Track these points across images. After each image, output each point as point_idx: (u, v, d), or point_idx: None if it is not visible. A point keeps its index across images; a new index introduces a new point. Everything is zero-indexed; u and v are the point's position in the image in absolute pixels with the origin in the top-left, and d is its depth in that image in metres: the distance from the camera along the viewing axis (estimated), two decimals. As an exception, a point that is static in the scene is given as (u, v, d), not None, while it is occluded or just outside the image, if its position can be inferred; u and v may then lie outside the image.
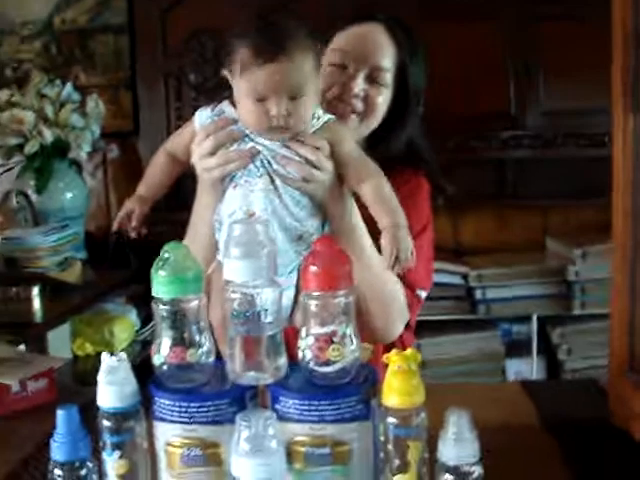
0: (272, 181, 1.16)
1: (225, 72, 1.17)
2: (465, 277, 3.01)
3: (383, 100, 1.42)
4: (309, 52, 1.14)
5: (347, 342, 0.91)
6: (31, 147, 2.60)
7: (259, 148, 1.16)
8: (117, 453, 0.93)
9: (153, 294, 0.92)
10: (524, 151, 3.09)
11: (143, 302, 2.50)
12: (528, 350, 3.08)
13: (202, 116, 1.20)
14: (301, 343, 0.92)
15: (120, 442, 0.93)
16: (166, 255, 0.92)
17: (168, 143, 1.26)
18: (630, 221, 1.13)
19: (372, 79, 1.40)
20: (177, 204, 2.85)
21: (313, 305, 0.91)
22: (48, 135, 2.58)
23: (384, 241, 1.11)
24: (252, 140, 1.16)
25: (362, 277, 1.23)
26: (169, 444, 0.92)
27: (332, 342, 0.91)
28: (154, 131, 3.03)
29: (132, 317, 2.45)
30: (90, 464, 0.94)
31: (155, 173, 1.26)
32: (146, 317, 2.52)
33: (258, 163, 1.16)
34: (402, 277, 1.33)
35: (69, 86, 2.72)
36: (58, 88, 2.70)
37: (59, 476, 0.93)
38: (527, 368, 3.08)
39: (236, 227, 0.91)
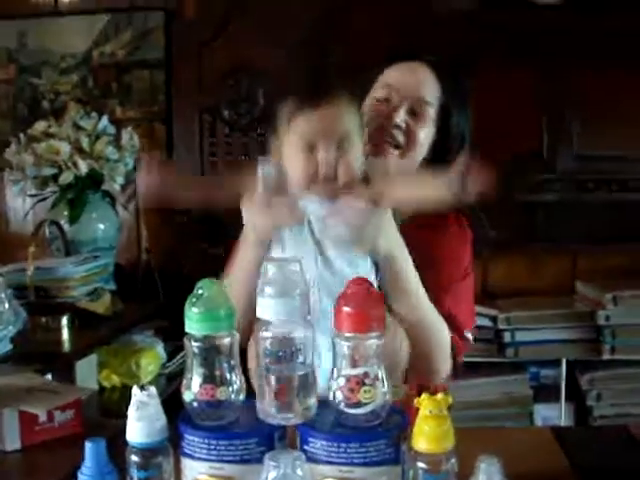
0: (320, 246, 1.17)
1: (274, 144, 1.20)
2: (494, 319, 2.98)
3: (425, 135, 1.41)
4: (353, 102, 1.17)
5: (378, 384, 0.91)
6: (66, 178, 2.63)
7: (308, 208, 1.16)
8: (144, 489, 0.93)
9: (186, 330, 0.92)
10: (555, 194, 3.08)
11: (170, 336, 2.51)
12: (556, 395, 3.03)
13: (263, 168, 1.19)
14: (332, 384, 0.92)
15: (147, 477, 0.93)
16: (200, 291, 0.92)
17: (227, 176, 1.29)
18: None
19: (414, 112, 1.40)
20: (207, 240, 2.88)
21: (345, 346, 0.91)
22: (83, 166, 2.61)
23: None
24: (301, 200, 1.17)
25: (410, 319, 1.26)
26: (197, 481, 0.92)
27: (364, 384, 0.90)
28: (187, 165, 3.06)
29: (159, 350, 2.45)
30: (116, 499, 0.94)
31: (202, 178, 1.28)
32: (173, 350, 2.52)
33: (307, 228, 1.17)
34: (449, 320, 1.35)
35: (105, 119, 2.75)
36: (94, 120, 2.73)
37: (86, 510, 0.93)
38: (555, 413, 3.03)
39: (270, 267, 0.92)
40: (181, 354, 2.44)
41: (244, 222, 1.22)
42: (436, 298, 1.31)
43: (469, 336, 1.44)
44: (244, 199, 1.20)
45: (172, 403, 0.97)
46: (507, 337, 2.99)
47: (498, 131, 2.91)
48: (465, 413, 2.85)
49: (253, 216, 1.20)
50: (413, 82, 1.42)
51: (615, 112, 2.78)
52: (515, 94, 2.92)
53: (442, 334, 1.34)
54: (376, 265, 1.22)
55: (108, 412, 2.14)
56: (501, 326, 2.98)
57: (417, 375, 1.34)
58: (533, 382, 3.09)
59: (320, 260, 1.17)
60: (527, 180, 3.05)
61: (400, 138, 1.39)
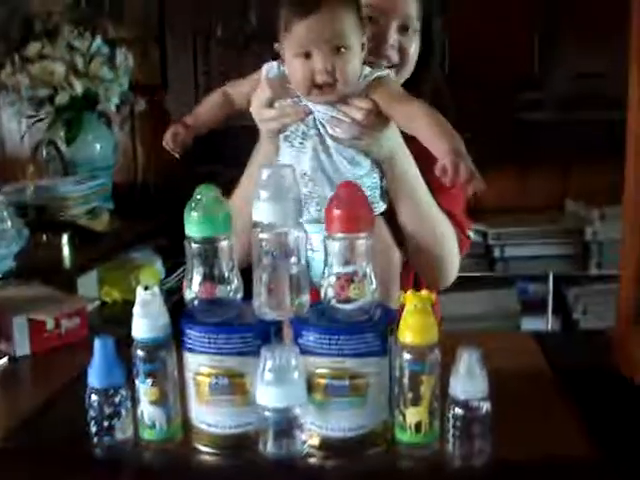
0: (322, 142, 1.21)
1: (276, 45, 1.21)
2: (484, 235, 3.05)
3: (414, 49, 1.42)
4: (350, 5, 1.17)
5: (367, 282, 0.96)
6: (61, 98, 2.65)
7: (312, 109, 1.20)
8: (149, 381, 0.99)
9: (186, 233, 0.97)
10: (545, 113, 3.10)
11: (169, 252, 2.57)
12: (544, 309, 3.11)
13: (269, 69, 1.24)
14: (323, 282, 0.97)
15: (152, 371, 0.99)
16: (198, 197, 0.97)
17: (228, 86, 1.31)
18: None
19: (403, 29, 1.40)
20: (201, 159, 2.91)
21: (336, 246, 0.96)
22: (78, 87, 2.63)
23: (444, 161, 1.07)
24: (304, 102, 1.21)
25: (416, 220, 1.31)
26: (198, 373, 0.98)
27: (353, 281, 0.96)
28: (181, 85, 3.06)
29: (158, 266, 2.50)
30: (124, 391, 1.00)
31: (206, 109, 1.31)
32: (171, 267, 2.57)
33: (311, 124, 1.21)
34: (451, 220, 1.39)
35: (98, 39, 2.75)
36: (88, 40, 2.73)
37: (95, 401, 0.99)
38: (542, 326, 3.11)
39: (265, 171, 0.96)
40: (179, 270, 2.51)
41: (254, 117, 1.27)
42: (435, 199, 1.35)
43: (471, 234, 1.49)
44: (252, 99, 1.26)
45: (172, 317, 1.01)
46: (497, 252, 3.06)
47: (490, 50, 2.92)
48: (455, 326, 2.92)
49: (261, 114, 1.25)
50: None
51: (606, 30, 2.78)
52: (506, 13, 2.92)
53: (449, 236, 1.39)
54: (380, 167, 1.26)
55: (110, 324, 2.20)
56: (491, 241, 3.05)
57: (428, 281, 1.40)
58: (521, 296, 3.18)
59: (321, 151, 1.21)
60: (518, 98, 3.07)
61: (395, 57, 1.40)
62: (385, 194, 1.29)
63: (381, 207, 1.27)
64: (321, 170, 1.21)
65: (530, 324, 3.13)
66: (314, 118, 1.21)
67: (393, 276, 1.28)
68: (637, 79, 1.16)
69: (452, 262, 1.41)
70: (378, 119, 1.20)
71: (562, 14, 3.01)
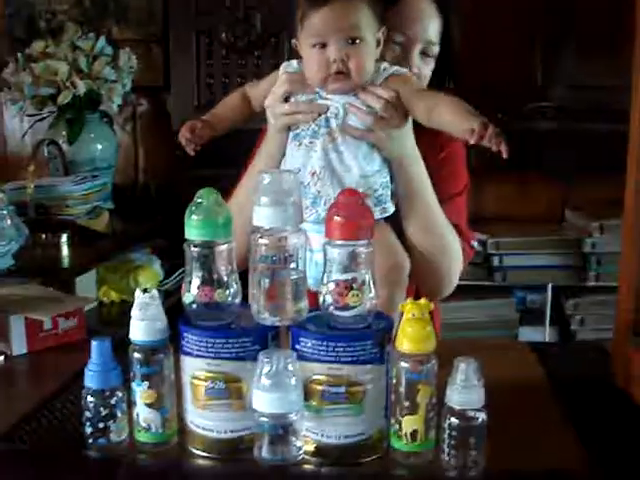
0: (333, 140, 1.21)
1: (294, 41, 1.24)
2: (484, 244, 3.05)
3: (430, 70, 1.43)
4: (366, 1, 1.18)
5: (366, 289, 0.96)
6: (64, 98, 2.64)
7: (328, 104, 1.22)
8: (146, 384, 0.99)
9: (185, 236, 0.97)
10: (548, 123, 3.11)
11: (168, 254, 2.57)
12: (542, 319, 3.11)
13: (287, 66, 1.26)
14: (322, 288, 0.97)
15: (149, 373, 0.99)
16: (199, 200, 0.97)
17: (247, 86, 1.32)
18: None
19: (424, 54, 1.40)
20: (203, 161, 2.91)
21: (336, 253, 0.96)
22: (81, 86, 2.63)
23: (469, 124, 1.09)
24: (322, 98, 1.22)
25: (422, 223, 1.31)
26: (195, 377, 0.98)
27: (352, 288, 0.96)
28: (184, 87, 3.07)
29: (156, 267, 2.50)
30: (120, 393, 1.00)
31: (224, 109, 1.31)
32: (170, 269, 2.57)
33: (323, 123, 1.22)
34: (456, 230, 1.40)
35: (102, 39, 2.75)
36: (91, 41, 2.73)
37: (91, 402, 0.99)
38: (540, 337, 3.11)
39: (265, 176, 0.96)
40: (178, 272, 2.50)
41: (267, 111, 1.28)
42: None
43: (475, 244, 1.50)
44: (267, 96, 1.27)
45: (169, 318, 1.01)
46: (496, 261, 3.06)
47: (494, 60, 2.93)
48: (452, 334, 2.93)
49: (275, 108, 1.26)
50: (422, 25, 1.39)
51: (609, 42, 2.79)
52: (510, 23, 2.93)
53: (454, 245, 1.39)
54: (389, 167, 1.27)
55: (107, 326, 2.20)
56: (490, 250, 3.05)
57: (427, 289, 1.39)
58: (520, 306, 3.18)
59: (331, 150, 1.22)
60: (521, 108, 3.08)
61: None
62: (395, 195, 1.29)
63: (391, 209, 1.27)
64: (330, 170, 1.21)
65: (528, 334, 3.13)
66: (326, 117, 1.22)
67: (404, 284, 1.28)
68: (638, 90, 1.16)
69: (454, 272, 1.42)
70: (396, 112, 1.21)
71: (565, 26, 3.02)
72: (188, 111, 3.03)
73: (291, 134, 1.26)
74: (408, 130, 1.26)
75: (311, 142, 1.22)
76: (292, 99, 1.25)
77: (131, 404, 1.02)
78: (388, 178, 1.26)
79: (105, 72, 2.67)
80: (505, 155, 1.08)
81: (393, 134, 1.23)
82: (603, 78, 2.91)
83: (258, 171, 1.28)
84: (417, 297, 1.35)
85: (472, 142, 1.08)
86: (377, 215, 1.22)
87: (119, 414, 1.01)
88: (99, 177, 2.63)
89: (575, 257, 3.08)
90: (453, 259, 1.39)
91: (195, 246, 0.97)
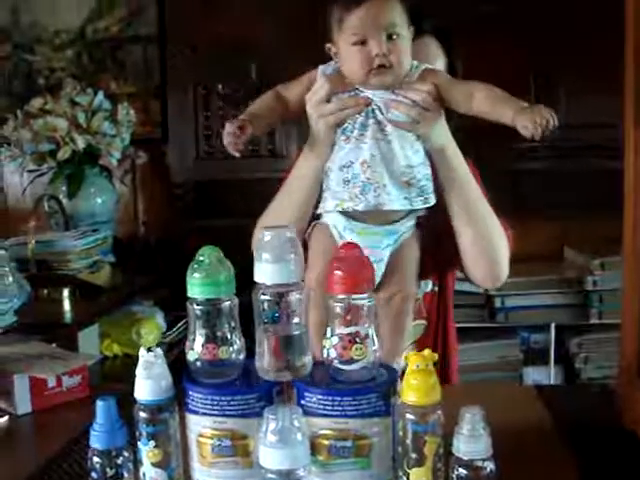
0: (382, 129, 1.26)
1: (327, 46, 1.28)
2: (484, 286, 3.05)
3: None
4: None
5: (369, 342, 0.96)
6: (63, 153, 2.67)
7: (371, 97, 1.25)
8: (152, 443, 0.98)
9: (188, 294, 0.98)
10: (542, 162, 3.13)
11: (169, 305, 2.57)
12: (546, 359, 3.11)
13: (325, 68, 1.30)
14: (325, 342, 0.97)
15: (155, 432, 0.98)
16: (201, 258, 0.98)
17: (281, 87, 1.34)
18: (639, 230, 1.17)
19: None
20: (203, 212, 2.93)
21: (338, 307, 0.96)
22: (80, 142, 2.65)
23: (519, 119, 1.16)
24: (363, 92, 1.26)
25: (466, 210, 1.36)
26: (201, 435, 0.98)
27: (355, 342, 0.96)
28: (182, 139, 3.10)
29: (159, 319, 2.50)
30: (126, 453, 1.00)
31: (260, 107, 1.33)
32: (172, 320, 2.57)
33: (370, 115, 1.26)
34: None
35: (100, 94, 2.78)
36: (90, 96, 2.77)
37: (97, 463, 0.99)
38: (545, 376, 3.11)
39: (267, 233, 0.97)
40: (180, 323, 2.50)
41: (311, 115, 1.30)
42: None
43: (509, 234, 1.53)
44: (309, 95, 1.30)
45: (173, 370, 1.01)
46: (498, 302, 3.06)
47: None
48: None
49: (320, 108, 1.28)
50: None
51: (600, 80, 2.82)
52: (501, 63, 2.96)
53: (498, 228, 1.44)
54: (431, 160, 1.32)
55: (110, 380, 2.19)
56: (492, 292, 3.05)
57: (480, 276, 1.47)
58: (523, 346, 3.18)
59: (381, 139, 1.26)
60: (515, 148, 3.10)
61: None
62: (436, 190, 1.33)
63: (432, 200, 1.31)
64: (380, 157, 1.25)
65: (532, 374, 3.12)
66: (372, 108, 1.26)
67: (407, 311, 1.33)
68: (632, 130, 1.17)
69: (504, 255, 1.47)
70: (435, 104, 1.26)
71: (556, 64, 3.05)
72: (186, 162, 3.06)
73: (338, 131, 1.29)
74: (443, 124, 1.31)
75: (360, 134, 1.26)
76: (334, 98, 1.28)
77: (137, 464, 1.01)
78: (430, 171, 1.31)
79: (104, 127, 2.70)
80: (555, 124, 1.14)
81: (434, 124, 1.28)
82: (593, 116, 2.94)
83: (308, 168, 1.34)
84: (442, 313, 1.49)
85: (532, 135, 1.15)
86: (419, 205, 1.29)
87: (126, 474, 1.00)
88: (99, 231, 2.64)
89: (577, 295, 3.09)
90: (499, 241, 1.45)
91: (198, 304, 0.97)
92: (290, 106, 1.33)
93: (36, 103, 2.75)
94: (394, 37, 1.23)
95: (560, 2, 2.97)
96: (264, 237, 0.96)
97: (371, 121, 1.26)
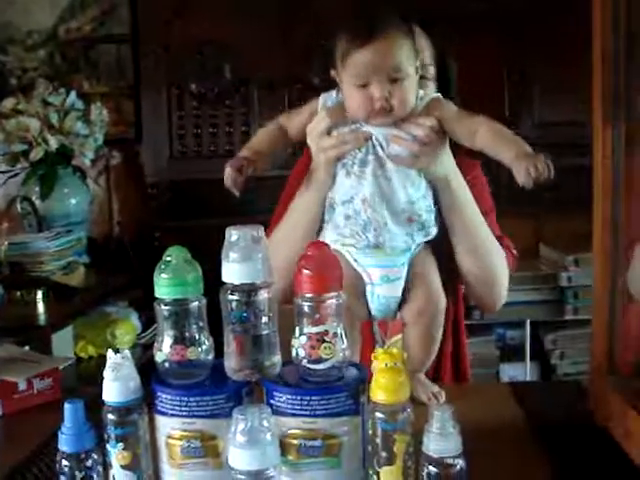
0: (381, 166, 1.24)
1: (332, 72, 1.25)
2: (460, 282, 3.06)
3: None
4: (405, 34, 1.20)
5: (338, 341, 0.96)
6: (36, 154, 2.65)
7: (371, 132, 1.24)
8: (121, 445, 0.97)
9: (155, 295, 0.97)
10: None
11: (144, 306, 2.56)
12: (522, 355, 3.13)
13: (326, 99, 1.28)
14: (294, 342, 0.97)
15: (124, 434, 0.97)
16: (168, 258, 0.97)
17: (282, 118, 1.33)
18: (608, 229, 1.18)
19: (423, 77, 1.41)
20: (177, 213, 2.92)
21: (306, 306, 0.96)
22: (53, 142, 2.64)
23: (516, 165, 1.12)
24: (364, 126, 1.24)
25: (469, 243, 1.36)
26: (170, 436, 0.97)
27: (324, 341, 0.96)
28: (155, 139, 3.09)
29: (134, 320, 2.49)
30: (95, 455, 0.99)
31: (262, 143, 1.31)
32: (147, 321, 2.56)
33: (370, 150, 1.24)
34: (499, 242, 1.45)
35: (73, 94, 2.77)
36: (62, 96, 2.75)
37: (66, 466, 0.98)
38: (521, 373, 3.12)
39: (233, 232, 0.96)
40: (155, 324, 2.49)
41: (311, 147, 1.29)
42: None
43: (515, 252, 1.54)
44: (309, 128, 1.28)
45: (148, 371, 1.01)
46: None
47: (462, 98, 2.96)
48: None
49: (321, 142, 1.27)
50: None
51: (574, 78, 2.83)
52: (478, 62, 2.97)
53: (501, 261, 1.44)
54: (433, 191, 1.31)
55: (86, 381, 2.18)
56: (467, 289, 3.05)
57: (481, 305, 1.52)
58: (499, 343, 3.19)
59: (380, 176, 1.24)
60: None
61: None
62: (437, 219, 1.32)
63: (433, 232, 1.31)
64: (381, 195, 1.24)
65: (509, 370, 3.14)
66: (372, 144, 1.24)
67: (439, 323, 1.32)
68: (600, 128, 1.18)
69: (504, 285, 1.47)
70: (437, 137, 1.24)
71: (532, 63, 3.06)
72: (160, 162, 3.05)
73: (338, 165, 1.28)
74: (447, 153, 1.30)
75: (361, 170, 1.25)
76: (334, 132, 1.26)
77: (107, 466, 1.00)
78: (431, 201, 1.30)
79: (77, 127, 2.69)
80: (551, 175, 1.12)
81: (437, 157, 1.27)
82: (567, 114, 2.96)
83: (308, 201, 1.34)
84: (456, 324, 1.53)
85: (524, 183, 1.12)
86: (421, 239, 1.29)
87: (95, 477, 0.99)
88: (73, 232, 2.63)
89: (552, 292, 3.10)
90: (502, 271, 1.45)
91: (165, 304, 0.97)
92: (292, 137, 1.32)
93: (8, 103, 2.73)
94: (398, 80, 1.19)
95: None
96: (231, 236, 0.96)
97: (371, 157, 1.25)
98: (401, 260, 1.29)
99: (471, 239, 1.38)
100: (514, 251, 1.55)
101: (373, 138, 1.25)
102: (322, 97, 1.29)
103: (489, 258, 1.42)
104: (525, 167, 1.11)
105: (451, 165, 1.32)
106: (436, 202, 1.32)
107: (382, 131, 1.24)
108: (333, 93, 1.29)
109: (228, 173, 1.23)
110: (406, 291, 1.31)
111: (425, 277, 1.31)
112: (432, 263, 1.33)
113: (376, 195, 1.24)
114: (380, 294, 1.31)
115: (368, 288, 1.31)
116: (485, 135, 1.20)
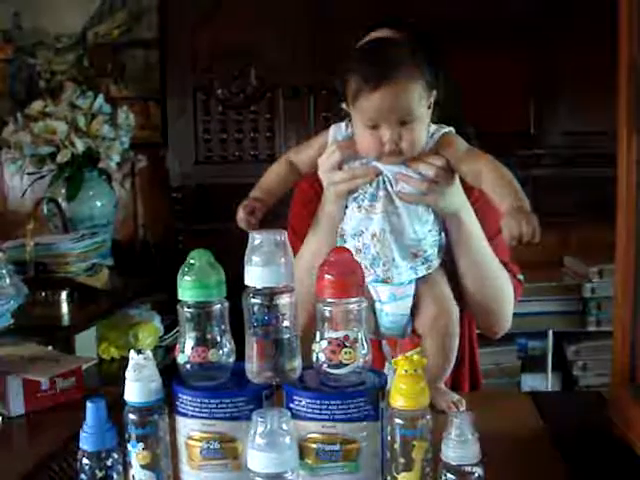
0: (392, 202, 1.25)
1: (343, 105, 1.26)
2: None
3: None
4: (416, 77, 1.20)
5: (358, 346, 0.97)
6: (63, 156, 2.68)
7: (381, 169, 1.25)
8: (141, 445, 0.98)
9: (178, 297, 0.98)
10: (543, 169, 3.13)
11: (167, 309, 2.57)
12: (543, 366, 3.10)
13: (337, 132, 1.29)
14: (315, 346, 0.97)
15: (144, 435, 0.98)
16: (191, 261, 0.98)
17: (291, 153, 1.34)
18: (632, 238, 1.17)
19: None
20: (202, 216, 2.93)
21: (327, 311, 0.96)
22: (80, 145, 2.66)
23: (506, 220, 1.12)
24: (374, 162, 1.25)
25: (476, 274, 1.36)
26: (190, 438, 0.98)
27: (344, 346, 0.96)
28: (181, 143, 3.10)
29: (156, 323, 2.50)
30: (116, 455, 0.99)
31: (272, 182, 1.32)
32: (170, 324, 2.58)
33: (381, 185, 1.25)
34: (505, 268, 1.45)
35: (100, 98, 2.80)
36: (90, 100, 2.78)
37: (86, 465, 0.99)
38: (542, 383, 3.10)
39: (257, 236, 0.97)
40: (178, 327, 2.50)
41: (322, 179, 1.30)
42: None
43: (521, 278, 1.54)
44: (321, 161, 1.29)
45: (170, 374, 1.02)
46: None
47: (488, 110, 2.96)
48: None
49: (332, 176, 1.28)
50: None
51: (600, 88, 2.82)
52: (502, 74, 2.97)
53: (507, 289, 1.45)
54: (441, 224, 1.32)
55: (108, 383, 2.19)
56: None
57: (485, 330, 1.54)
58: (521, 353, 3.16)
59: (391, 213, 1.25)
60: (516, 155, 3.10)
61: None
62: (441, 250, 1.33)
63: (435, 264, 1.31)
64: (390, 231, 1.25)
65: (530, 381, 3.11)
66: (382, 179, 1.25)
67: (454, 332, 1.33)
68: (624, 139, 1.17)
69: (509, 311, 1.49)
70: (446, 175, 1.25)
71: (557, 75, 3.05)
72: (186, 166, 3.07)
73: (350, 198, 1.29)
74: (458, 186, 1.30)
75: (371, 205, 1.26)
76: (345, 166, 1.27)
77: (127, 465, 1.01)
78: (437, 234, 1.31)
79: (103, 130, 2.71)
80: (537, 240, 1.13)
81: (446, 193, 1.27)
82: (593, 124, 2.94)
83: (319, 235, 1.35)
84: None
85: (506, 239, 1.13)
86: (423, 272, 1.30)
87: (115, 476, 1.00)
88: (98, 234, 2.65)
89: (575, 302, 3.08)
90: (507, 301, 1.46)
91: (188, 307, 0.98)
92: (302, 171, 1.33)
93: (36, 106, 2.76)
94: (408, 122, 1.20)
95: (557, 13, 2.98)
96: (254, 240, 0.97)
97: (382, 193, 1.26)
98: (407, 278, 1.30)
99: (478, 271, 1.38)
100: (520, 276, 1.54)
101: (383, 174, 1.26)
102: (332, 129, 1.30)
103: (495, 290, 1.43)
104: (515, 225, 1.11)
105: (461, 200, 1.32)
106: (443, 231, 1.33)
107: (391, 169, 1.25)
108: (343, 126, 1.29)
109: (241, 216, 1.26)
110: (416, 307, 1.32)
111: (434, 287, 1.32)
112: (441, 275, 1.33)
113: (386, 231, 1.25)
114: (389, 312, 1.32)
115: (377, 305, 1.32)
116: (487, 178, 1.20)
